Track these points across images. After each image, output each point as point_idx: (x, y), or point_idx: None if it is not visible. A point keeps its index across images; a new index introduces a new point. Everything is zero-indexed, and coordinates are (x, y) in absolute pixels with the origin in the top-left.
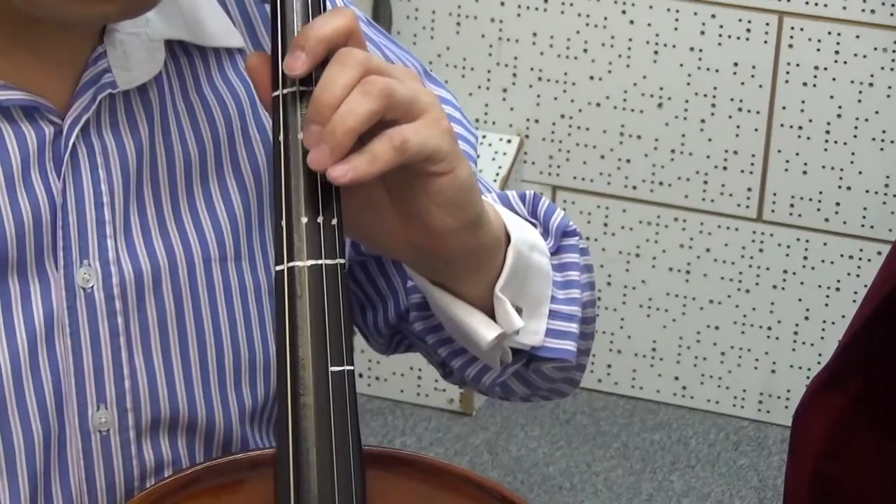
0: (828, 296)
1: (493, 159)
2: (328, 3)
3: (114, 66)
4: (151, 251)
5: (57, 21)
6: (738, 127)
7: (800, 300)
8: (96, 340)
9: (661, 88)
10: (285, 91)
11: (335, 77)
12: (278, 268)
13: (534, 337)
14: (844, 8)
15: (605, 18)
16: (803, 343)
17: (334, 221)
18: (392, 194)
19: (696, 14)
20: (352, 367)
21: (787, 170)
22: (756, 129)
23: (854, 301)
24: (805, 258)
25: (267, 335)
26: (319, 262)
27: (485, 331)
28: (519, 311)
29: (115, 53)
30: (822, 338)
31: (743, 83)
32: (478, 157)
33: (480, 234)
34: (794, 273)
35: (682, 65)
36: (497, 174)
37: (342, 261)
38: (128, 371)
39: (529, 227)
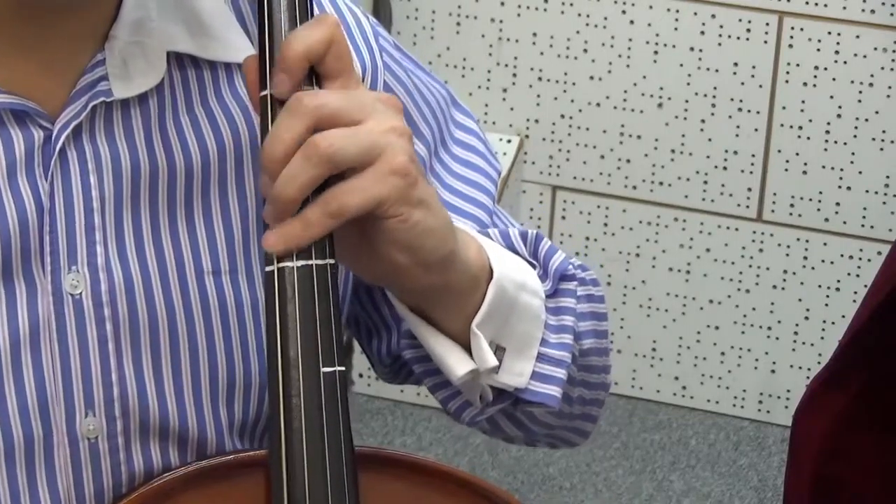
0: (828, 296)
1: None
2: (329, 4)
3: (111, 73)
4: (143, 260)
5: None
6: (738, 127)
7: (800, 300)
8: (84, 347)
9: (661, 88)
10: (272, 91)
11: (282, 129)
12: (268, 268)
13: (518, 378)
14: (844, 8)
15: (605, 18)
16: (803, 343)
17: None
18: (356, 222)
19: (696, 14)
20: (343, 368)
21: (787, 170)
22: (756, 129)
23: (854, 301)
24: (805, 258)
25: (263, 351)
26: (310, 262)
27: (457, 365)
28: (502, 350)
29: (114, 62)
30: (822, 338)
31: (743, 83)
32: (497, 188)
33: (447, 274)
34: (794, 273)
35: (682, 65)
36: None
37: (332, 261)
38: (116, 378)
39: (524, 266)
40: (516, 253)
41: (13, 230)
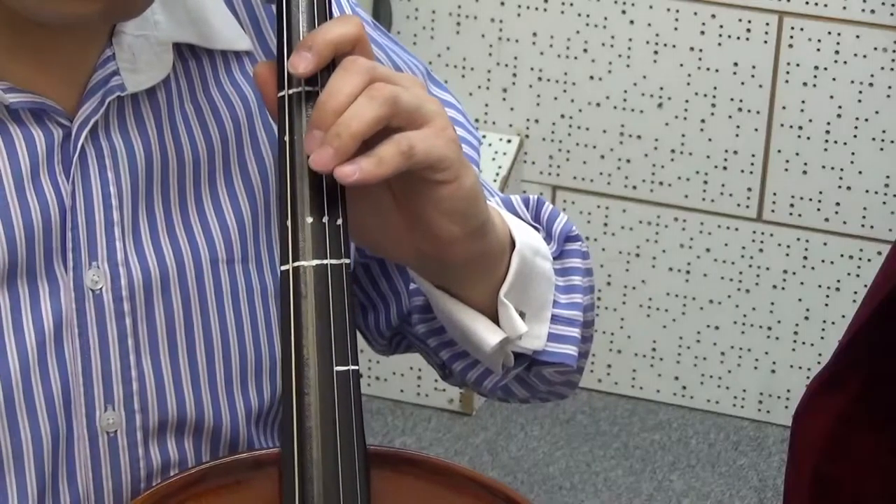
0: (828, 296)
1: (493, 159)
2: (334, 5)
3: (122, 68)
4: (159, 252)
5: (37, 19)
6: (738, 127)
7: (800, 300)
8: (105, 342)
9: (661, 88)
10: (290, 91)
11: (341, 84)
12: (283, 267)
13: (536, 341)
14: (844, 8)
15: (605, 18)
16: (803, 343)
17: (339, 221)
18: (398, 201)
19: (696, 14)
20: (356, 367)
21: (787, 170)
22: (756, 129)
23: (854, 301)
24: (805, 258)
25: (273, 337)
26: (325, 261)
27: (489, 335)
28: (522, 315)
29: (124, 56)
30: (822, 338)
31: (743, 83)
32: (480, 158)
33: (485, 241)
34: (794, 273)
35: (682, 65)
36: (497, 174)
37: (347, 261)
38: (136, 373)
39: (533, 231)
40: (520, 218)
41: (36, 228)
